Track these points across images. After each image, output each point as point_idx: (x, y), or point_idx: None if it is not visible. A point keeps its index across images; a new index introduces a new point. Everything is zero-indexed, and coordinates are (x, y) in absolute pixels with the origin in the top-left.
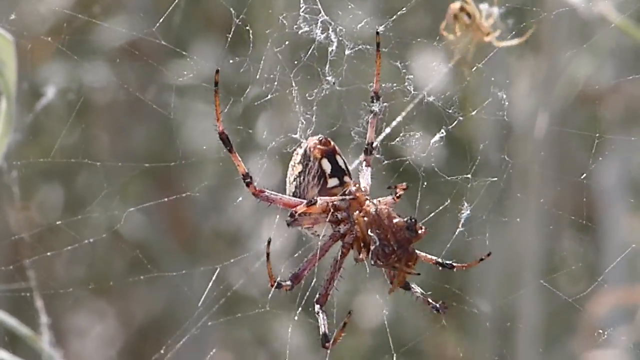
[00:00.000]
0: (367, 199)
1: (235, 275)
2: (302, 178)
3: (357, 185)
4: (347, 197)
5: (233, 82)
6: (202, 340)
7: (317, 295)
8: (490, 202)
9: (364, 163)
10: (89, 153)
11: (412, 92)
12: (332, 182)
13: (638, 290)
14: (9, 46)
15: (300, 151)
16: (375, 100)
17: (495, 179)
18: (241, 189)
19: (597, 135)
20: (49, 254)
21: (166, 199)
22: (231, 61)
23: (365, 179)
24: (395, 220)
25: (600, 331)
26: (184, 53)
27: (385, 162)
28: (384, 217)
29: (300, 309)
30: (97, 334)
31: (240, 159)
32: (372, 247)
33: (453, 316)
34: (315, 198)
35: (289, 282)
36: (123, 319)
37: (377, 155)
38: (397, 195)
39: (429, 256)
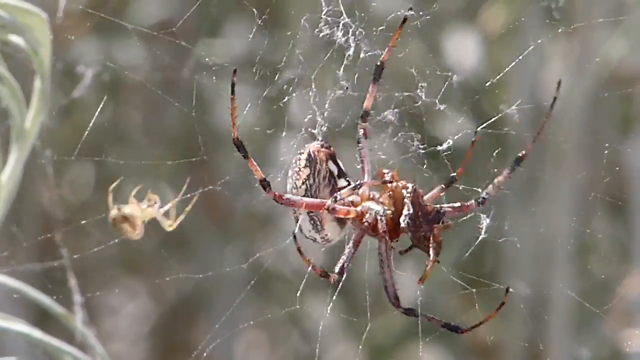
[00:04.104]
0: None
1: (268, 255)
2: (312, 180)
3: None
4: (392, 181)
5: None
6: (235, 319)
7: (388, 297)
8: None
9: (361, 131)
10: (122, 131)
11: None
12: (341, 182)
13: None
14: (44, 25)
15: (304, 155)
16: (378, 69)
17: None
18: (271, 168)
19: (630, 116)
20: (82, 222)
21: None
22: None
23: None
24: (426, 204)
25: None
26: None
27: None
28: (419, 196)
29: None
30: (129, 312)
31: (256, 164)
32: (405, 213)
33: (484, 299)
34: (362, 181)
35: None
36: (155, 296)
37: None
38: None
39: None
